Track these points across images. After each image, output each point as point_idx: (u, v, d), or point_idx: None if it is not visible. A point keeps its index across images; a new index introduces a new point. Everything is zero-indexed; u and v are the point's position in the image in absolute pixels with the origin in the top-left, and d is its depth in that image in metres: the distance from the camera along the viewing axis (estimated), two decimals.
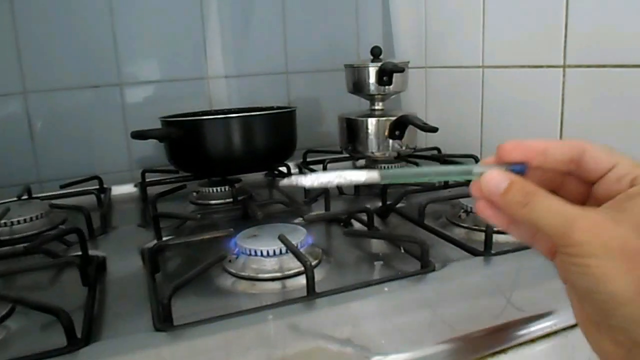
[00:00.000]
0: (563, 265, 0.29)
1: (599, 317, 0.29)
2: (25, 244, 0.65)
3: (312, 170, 1.00)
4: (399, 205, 0.75)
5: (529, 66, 0.89)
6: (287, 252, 0.55)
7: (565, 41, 0.81)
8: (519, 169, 0.32)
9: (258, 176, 1.01)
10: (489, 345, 0.42)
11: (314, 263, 0.55)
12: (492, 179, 0.31)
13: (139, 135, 0.80)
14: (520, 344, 0.43)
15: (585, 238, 0.27)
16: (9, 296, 0.48)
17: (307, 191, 0.82)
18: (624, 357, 0.28)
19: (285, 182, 0.37)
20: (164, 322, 0.45)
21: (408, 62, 0.93)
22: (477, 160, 0.93)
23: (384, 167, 0.95)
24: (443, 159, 1.01)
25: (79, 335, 0.44)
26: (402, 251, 0.58)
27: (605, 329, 0.29)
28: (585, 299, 0.29)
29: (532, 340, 0.44)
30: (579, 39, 0.79)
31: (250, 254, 0.56)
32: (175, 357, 0.40)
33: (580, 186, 0.33)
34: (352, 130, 0.93)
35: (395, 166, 0.95)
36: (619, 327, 0.28)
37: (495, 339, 0.43)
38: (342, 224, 0.71)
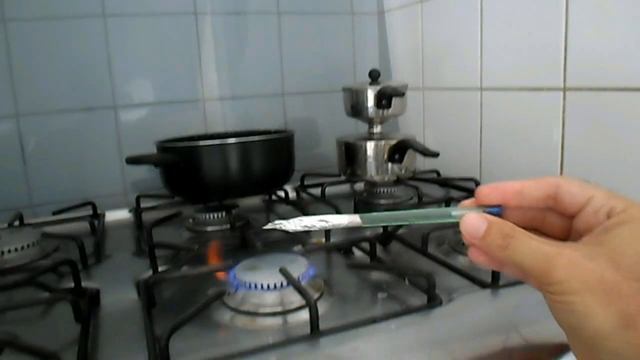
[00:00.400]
0: (550, 305, 0.30)
1: (587, 353, 0.29)
2: (16, 275, 0.63)
3: (310, 194, 0.98)
4: (400, 231, 0.74)
5: (528, 89, 0.88)
6: (288, 285, 0.54)
7: (565, 63, 0.80)
8: (496, 211, 0.34)
9: (255, 200, 1.00)
10: None
11: (316, 297, 0.54)
12: (471, 222, 0.32)
13: (133, 160, 0.78)
14: None
15: (564, 276, 0.28)
16: None
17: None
18: None
19: (269, 226, 0.37)
20: None
21: (407, 85, 0.92)
22: (477, 183, 0.92)
23: (382, 191, 0.94)
24: (443, 181, 1.00)
25: None
26: (407, 283, 0.57)
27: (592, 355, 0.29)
28: (572, 336, 0.30)
29: None
30: (579, 62, 0.78)
31: (250, 288, 0.54)
32: None
33: (561, 221, 0.34)
34: (351, 153, 0.92)
35: (392, 189, 0.94)
36: None
37: None
38: (342, 251, 0.69)
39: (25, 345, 0.43)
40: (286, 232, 0.36)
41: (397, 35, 1.21)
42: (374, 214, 0.37)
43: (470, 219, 0.32)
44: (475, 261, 0.34)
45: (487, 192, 0.35)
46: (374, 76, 0.91)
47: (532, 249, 0.30)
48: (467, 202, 0.36)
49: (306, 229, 0.36)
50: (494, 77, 0.95)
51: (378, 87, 0.88)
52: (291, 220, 0.36)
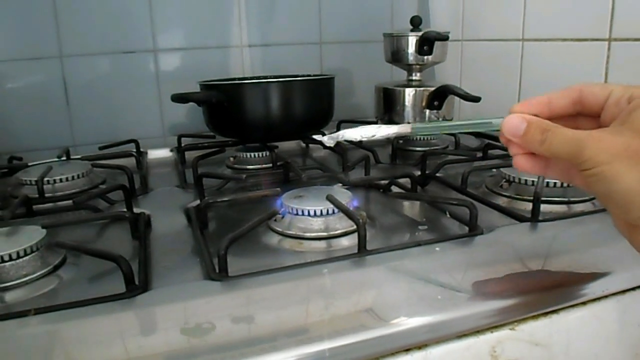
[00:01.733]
0: (585, 182, 0.34)
1: (624, 215, 0.34)
2: (70, 200, 0.66)
3: (347, 140, 0.99)
4: (438, 173, 0.75)
5: (572, 39, 0.87)
6: (333, 212, 0.56)
7: (612, 12, 0.79)
8: None
9: (291, 145, 1.02)
10: (542, 305, 0.42)
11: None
12: (512, 122, 0.36)
13: (179, 98, 0.80)
14: (572, 306, 0.44)
15: (593, 152, 0.32)
16: (66, 243, 0.49)
17: (345, 159, 0.81)
18: None
19: (326, 141, 0.44)
20: (219, 272, 0.45)
21: (449, 32, 0.92)
22: None
23: (418, 138, 0.95)
24: (478, 132, 1.00)
25: (136, 282, 0.44)
26: (448, 216, 0.58)
27: (634, 225, 0.34)
28: (608, 203, 0.34)
29: (584, 303, 0.44)
30: (628, 10, 0.77)
31: (297, 214, 0.56)
32: (235, 305, 0.41)
33: (591, 123, 0.37)
34: (389, 100, 0.93)
35: (429, 137, 0.95)
36: None
37: (548, 299, 0.43)
38: (381, 190, 0.71)
39: (90, 248, 0.46)
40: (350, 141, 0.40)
41: None
42: (423, 124, 0.42)
43: (512, 119, 0.36)
44: (521, 168, 0.38)
45: (519, 108, 0.38)
46: (416, 22, 0.91)
47: (567, 138, 0.34)
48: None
49: (364, 137, 0.42)
50: (537, 27, 0.94)
51: (420, 33, 0.88)
52: (350, 130, 0.42)
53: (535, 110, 0.37)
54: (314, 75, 0.92)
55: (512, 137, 0.36)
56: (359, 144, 0.95)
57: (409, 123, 0.41)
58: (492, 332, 0.40)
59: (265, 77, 0.99)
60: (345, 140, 0.43)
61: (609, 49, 0.81)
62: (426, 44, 0.87)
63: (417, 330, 0.38)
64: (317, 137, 0.43)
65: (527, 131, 0.35)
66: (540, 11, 0.93)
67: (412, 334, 0.38)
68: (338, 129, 1.05)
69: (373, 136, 0.42)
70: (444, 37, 0.85)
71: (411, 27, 0.92)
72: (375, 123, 1.02)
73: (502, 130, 0.37)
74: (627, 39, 0.78)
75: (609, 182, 0.32)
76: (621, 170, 0.31)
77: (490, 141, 0.91)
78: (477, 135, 1.00)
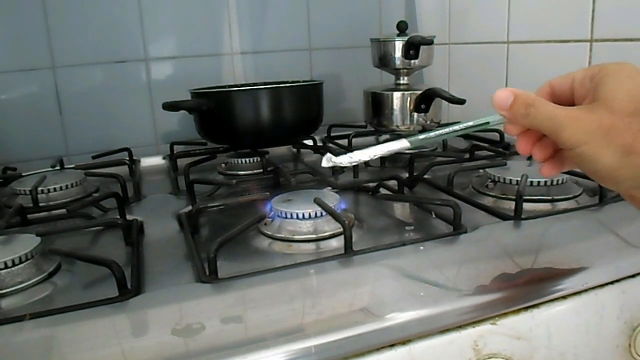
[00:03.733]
0: (573, 161, 0.36)
1: (615, 187, 0.36)
2: (64, 209, 0.67)
3: (338, 145, 1.01)
4: (426, 175, 0.76)
5: (555, 41, 0.89)
6: (321, 215, 0.57)
7: (593, 14, 0.81)
8: None
9: (282, 150, 1.03)
10: (523, 299, 0.44)
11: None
12: (501, 95, 0.38)
13: (171, 106, 0.81)
14: (553, 300, 0.45)
15: (572, 132, 0.34)
16: (60, 250, 0.50)
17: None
18: None
19: (324, 164, 0.42)
20: (209, 275, 0.47)
21: (434, 36, 0.93)
22: (501, 135, 0.95)
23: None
24: (466, 134, 1.02)
25: (129, 287, 0.46)
26: (434, 216, 0.60)
27: (632, 195, 0.37)
28: (598, 179, 0.36)
29: (564, 297, 0.45)
30: (608, 12, 0.79)
31: (286, 217, 0.58)
32: (224, 305, 0.42)
33: None
34: (377, 104, 0.94)
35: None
36: (634, 187, 0.35)
37: (529, 294, 0.44)
38: (370, 192, 0.72)
39: (82, 254, 0.47)
40: (342, 167, 0.40)
41: None
42: (420, 136, 0.41)
43: (501, 92, 0.38)
44: (522, 152, 0.40)
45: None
46: (402, 28, 0.92)
47: (547, 114, 0.35)
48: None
49: (361, 161, 0.41)
50: (521, 30, 0.96)
51: (405, 38, 0.90)
52: (347, 155, 0.40)
53: None
54: (303, 81, 0.94)
55: (500, 109, 0.38)
56: (349, 148, 0.96)
57: (405, 137, 0.41)
58: (474, 326, 0.42)
59: (256, 84, 1.01)
60: (354, 162, 0.42)
61: (590, 49, 0.83)
62: (412, 49, 0.89)
63: (400, 326, 0.39)
64: (332, 160, 0.42)
65: (513, 104, 0.37)
66: (524, 14, 0.95)
67: (396, 329, 0.39)
68: (329, 134, 1.07)
69: (377, 155, 0.42)
70: (428, 42, 0.87)
71: (398, 32, 0.93)
72: (365, 127, 1.04)
73: (493, 103, 0.38)
74: (608, 40, 0.80)
75: (591, 161, 0.34)
76: (598, 148, 0.33)
77: (477, 142, 0.93)
78: (465, 136, 1.02)
